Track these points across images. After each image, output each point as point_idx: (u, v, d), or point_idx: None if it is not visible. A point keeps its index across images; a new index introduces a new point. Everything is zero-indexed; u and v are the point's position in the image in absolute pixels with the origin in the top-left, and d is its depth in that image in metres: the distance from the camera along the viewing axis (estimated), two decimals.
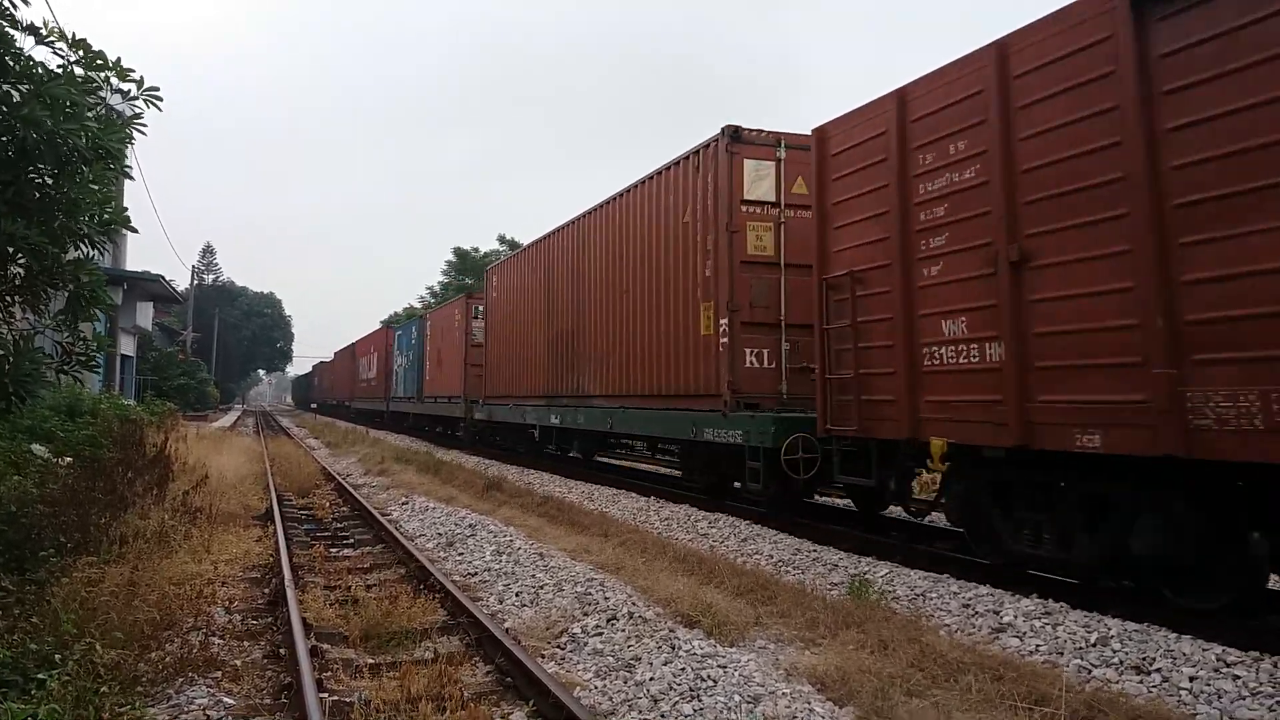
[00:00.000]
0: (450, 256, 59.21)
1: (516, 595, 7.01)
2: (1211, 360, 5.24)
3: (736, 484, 11.24)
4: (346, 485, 14.80)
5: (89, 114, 5.80)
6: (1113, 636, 5.39)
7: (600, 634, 5.70)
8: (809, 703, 4.44)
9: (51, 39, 5.76)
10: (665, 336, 11.94)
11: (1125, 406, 5.72)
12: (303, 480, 15.33)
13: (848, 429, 8.26)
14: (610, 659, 5.24)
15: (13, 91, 5.50)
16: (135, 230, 6.61)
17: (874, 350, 8.00)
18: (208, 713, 4.47)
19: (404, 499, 13.02)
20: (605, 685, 4.85)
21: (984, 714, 4.33)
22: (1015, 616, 5.95)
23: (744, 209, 10.39)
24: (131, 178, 6.70)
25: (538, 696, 4.58)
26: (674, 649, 5.19)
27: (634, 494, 13.05)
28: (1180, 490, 5.73)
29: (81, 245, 6.13)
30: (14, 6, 5.63)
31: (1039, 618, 5.87)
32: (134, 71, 5.91)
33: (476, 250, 58.29)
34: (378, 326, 47.99)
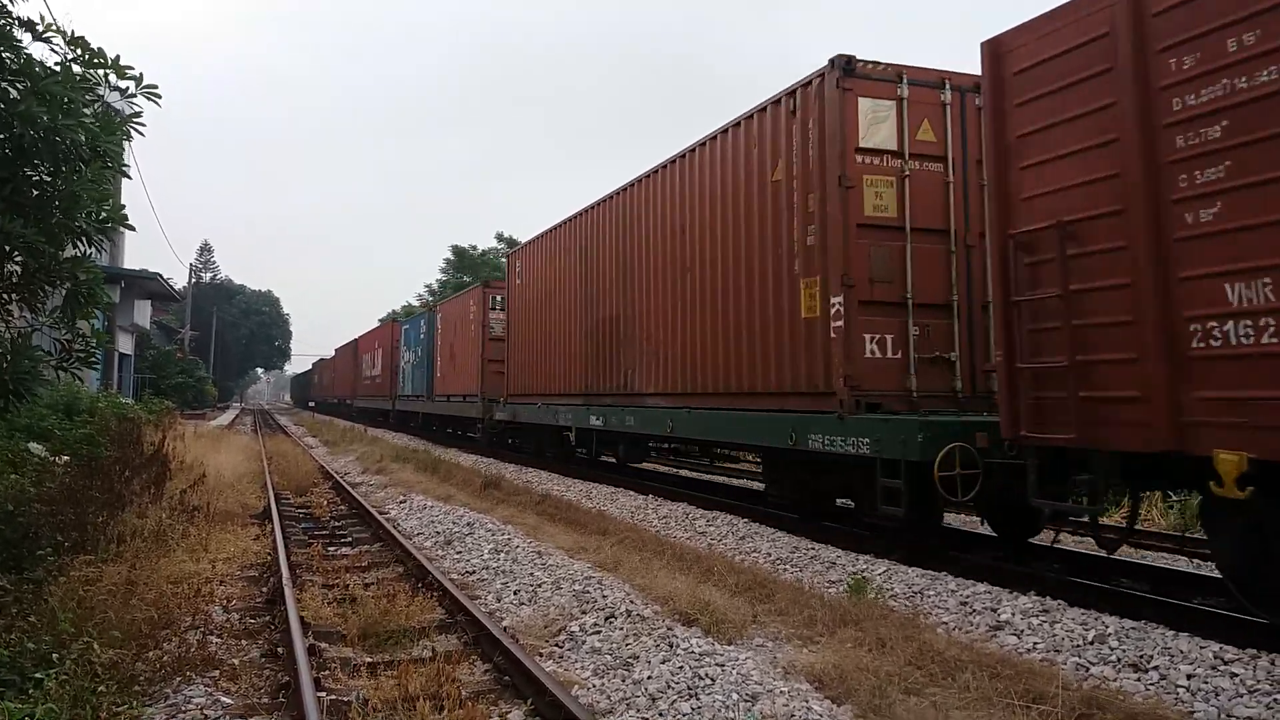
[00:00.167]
0: (449, 255, 59.28)
1: (515, 593, 7.01)
2: None
3: (841, 502, 9.75)
4: (344, 484, 14.80)
5: (86, 111, 5.78)
6: (1110, 634, 5.40)
7: (598, 632, 5.70)
8: (806, 701, 4.44)
9: (49, 36, 5.74)
10: (747, 322, 9.99)
11: None
12: (301, 479, 15.32)
13: (1058, 436, 6.25)
14: (608, 657, 5.24)
15: (10, 89, 5.48)
16: (133, 228, 6.59)
17: (1100, 329, 6.02)
18: (205, 712, 4.46)
19: (402, 497, 13.01)
20: (603, 684, 4.85)
21: (981, 712, 4.33)
22: (1013, 614, 5.96)
23: (859, 159, 8.42)
24: (129, 176, 6.68)
25: (536, 695, 4.58)
26: (672, 647, 5.19)
27: (632, 492, 13.05)
28: None
29: (79, 243, 6.12)
30: (10, 2, 5.61)
31: (1037, 615, 5.88)
32: (132, 68, 5.90)
33: (474, 248, 58.33)
34: (376, 325, 47.52)
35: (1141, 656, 5.07)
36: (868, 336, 8.34)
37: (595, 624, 5.86)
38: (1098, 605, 6.04)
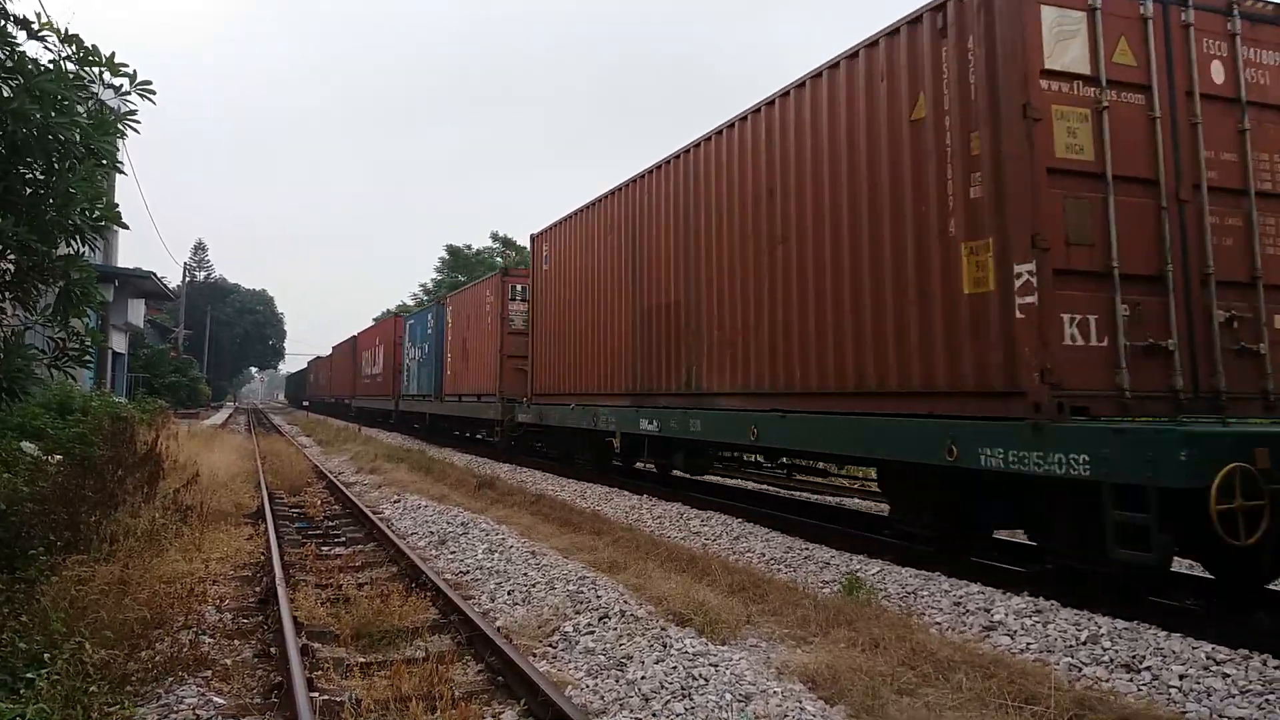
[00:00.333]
0: (444, 254, 59.32)
1: (508, 594, 7.00)
2: None
3: (998, 535, 8.07)
4: (338, 483, 14.77)
5: (80, 109, 5.77)
6: (1103, 635, 5.41)
7: (592, 632, 5.70)
8: (800, 701, 4.45)
9: (44, 33, 5.72)
10: (873, 302, 7.94)
11: None
12: (294, 478, 15.29)
13: None
14: (602, 657, 5.24)
15: (3, 86, 5.46)
16: (126, 226, 6.57)
17: None
18: (197, 712, 4.45)
19: (396, 497, 13.00)
20: (597, 684, 4.85)
21: (974, 712, 4.34)
22: (1006, 614, 5.97)
23: (1044, 85, 6.54)
24: (123, 172, 6.67)
25: (529, 695, 4.58)
26: (666, 647, 5.19)
27: (627, 492, 13.04)
28: None
29: (73, 241, 6.10)
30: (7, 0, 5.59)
31: (1030, 616, 5.89)
32: (126, 65, 5.88)
33: (469, 247, 58.38)
34: (370, 325, 47.01)
35: (1134, 657, 5.08)
36: (1066, 317, 6.39)
37: (589, 624, 5.86)
38: (1091, 606, 6.02)
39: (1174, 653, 5.06)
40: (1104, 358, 6.41)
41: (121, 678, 4.52)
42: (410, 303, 60.12)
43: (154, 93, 6.04)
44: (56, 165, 5.71)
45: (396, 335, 32.64)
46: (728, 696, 4.48)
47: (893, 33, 7.84)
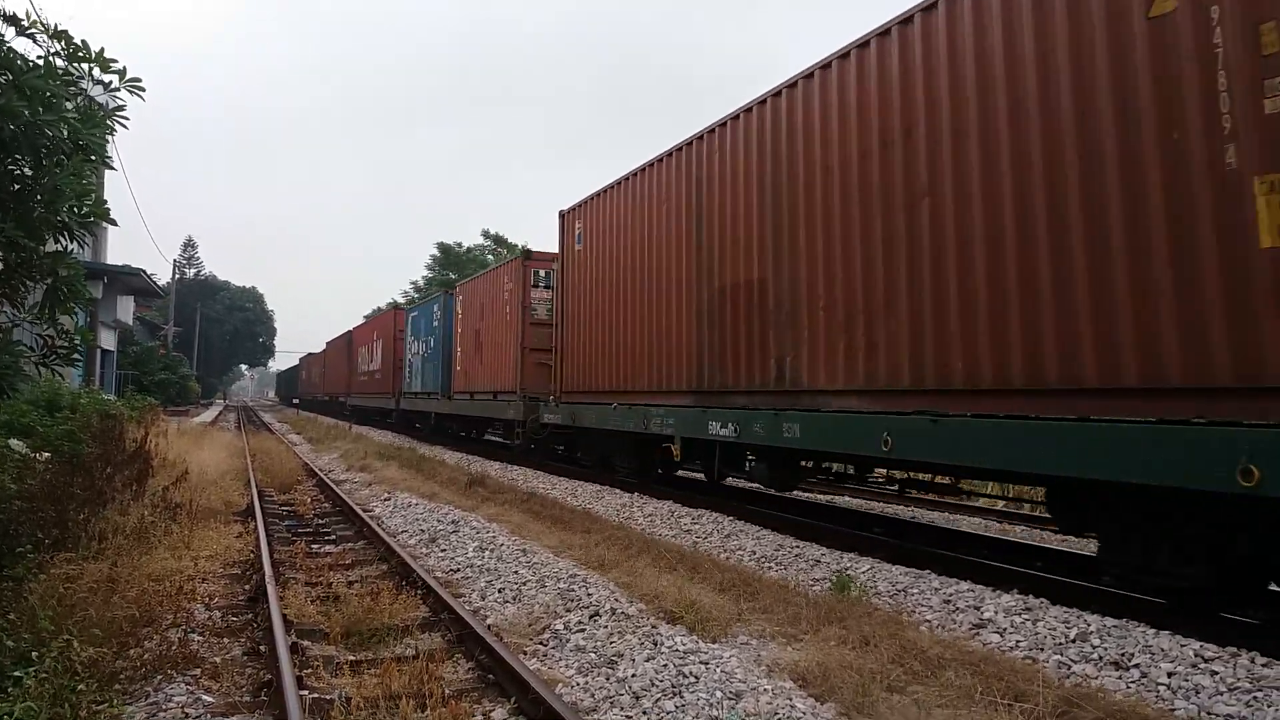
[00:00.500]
0: (435, 252, 59.22)
1: (499, 592, 7.00)
2: None
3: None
4: (328, 481, 14.74)
5: (69, 105, 5.73)
6: (1092, 632, 5.44)
7: (583, 630, 5.70)
8: (790, 699, 4.46)
9: (33, 30, 5.69)
10: (1094, 268, 5.84)
11: None
12: (284, 476, 15.25)
13: None
14: (592, 655, 5.24)
15: None
16: (114, 223, 6.53)
17: None
18: (186, 710, 4.44)
19: (386, 495, 12.97)
20: (587, 682, 4.85)
21: (964, 710, 4.36)
22: (996, 612, 5.99)
23: None
24: (113, 168, 6.64)
25: (519, 693, 4.58)
26: (656, 645, 5.19)
27: (618, 490, 13.05)
28: None
29: (61, 237, 6.07)
30: None
31: (1019, 614, 5.91)
32: (116, 61, 5.85)
33: (460, 245, 58.32)
34: (370, 318, 46.28)
35: (1123, 654, 5.11)
36: None
37: (580, 622, 5.86)
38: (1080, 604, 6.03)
39: (1162, 650, 5.09)
40: None
41: (110, 676, 4.50)
42: (401, 300, 59.97)
43: (143, 90, 6.02)
44: (45, 161, 5.68)
45: (397, 329, 30.25)
46: (718, 694, 4.48)
47: None
